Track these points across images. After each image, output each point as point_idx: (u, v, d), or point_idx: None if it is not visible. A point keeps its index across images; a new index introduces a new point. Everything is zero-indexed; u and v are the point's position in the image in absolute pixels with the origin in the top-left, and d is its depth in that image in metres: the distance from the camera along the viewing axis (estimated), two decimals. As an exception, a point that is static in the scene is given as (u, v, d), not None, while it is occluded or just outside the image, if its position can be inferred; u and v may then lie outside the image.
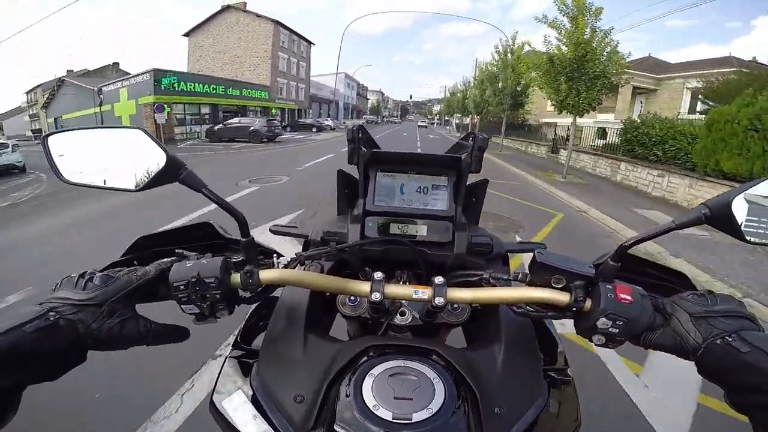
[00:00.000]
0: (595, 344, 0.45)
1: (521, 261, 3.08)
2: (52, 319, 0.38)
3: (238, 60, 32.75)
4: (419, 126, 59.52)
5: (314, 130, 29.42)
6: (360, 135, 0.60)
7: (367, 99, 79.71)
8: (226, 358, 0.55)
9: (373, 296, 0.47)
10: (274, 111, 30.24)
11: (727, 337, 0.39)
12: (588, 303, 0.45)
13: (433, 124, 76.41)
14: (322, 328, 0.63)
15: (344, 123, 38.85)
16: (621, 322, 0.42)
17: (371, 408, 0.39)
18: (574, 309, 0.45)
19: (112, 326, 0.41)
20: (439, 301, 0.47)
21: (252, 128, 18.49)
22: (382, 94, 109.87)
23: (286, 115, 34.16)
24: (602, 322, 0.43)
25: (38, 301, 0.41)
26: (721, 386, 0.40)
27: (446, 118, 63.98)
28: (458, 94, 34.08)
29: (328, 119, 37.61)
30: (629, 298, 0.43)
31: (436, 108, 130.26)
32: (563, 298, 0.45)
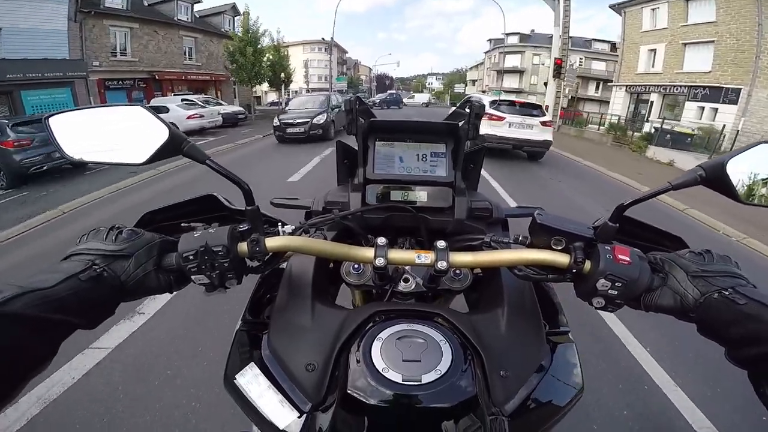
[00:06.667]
0: (595, 307, 0.46)
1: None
2: (98, 270, 0.41)
3: None
4: None
5: None
6: (357, 106, 0.60)
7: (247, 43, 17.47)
8: (236, 332, 0.55)
9: (377, 261, 0.48)
10: None
11: (723, 291, 0.40)
12: (587, 265, 0.45)
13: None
14: (328, 297, 0.64)
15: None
16: (620, 284, 0.43)
17: (381, 371, 0.40)
18: (574, 271, 0.46)
19: (137, 278, 0.44)
20: (441, 264, 0.47)
21: None
22: (345, 52, 55.10)
23: None
24: (602, 284, 0.43)
25: (67, 252, 0.43)
26: (721, 343, 0.41)
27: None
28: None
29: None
30: (627, 259, 0.43)
31: (430, 82, 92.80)
32: (563, 259, 0.46)
